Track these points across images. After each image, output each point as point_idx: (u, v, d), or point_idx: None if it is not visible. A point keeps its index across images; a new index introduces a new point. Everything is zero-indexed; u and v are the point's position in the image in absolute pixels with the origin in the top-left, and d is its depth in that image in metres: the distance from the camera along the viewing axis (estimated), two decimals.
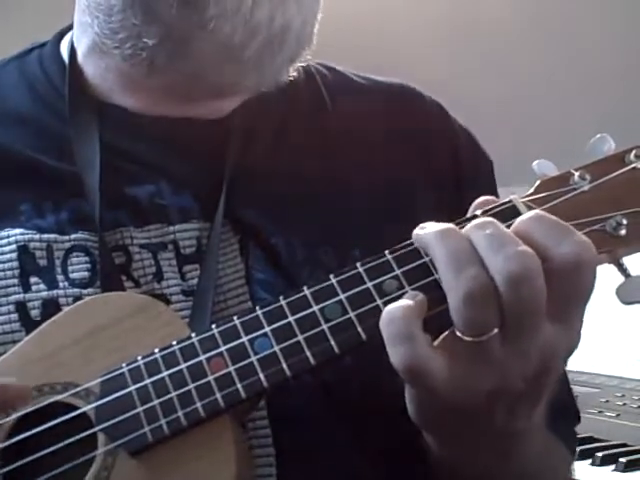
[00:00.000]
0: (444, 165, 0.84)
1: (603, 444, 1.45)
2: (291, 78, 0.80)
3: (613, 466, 1.37)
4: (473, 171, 0.85)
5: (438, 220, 0.62)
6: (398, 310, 0.58)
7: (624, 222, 0.61)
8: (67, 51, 0.83)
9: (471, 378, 0.59)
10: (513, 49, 2.87)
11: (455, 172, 0.84)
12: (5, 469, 0.62)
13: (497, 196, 0.85)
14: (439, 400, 0.59)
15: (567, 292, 0.58)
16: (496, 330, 0.57)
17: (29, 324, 0.71)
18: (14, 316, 0.71)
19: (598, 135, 0.64)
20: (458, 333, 0.58)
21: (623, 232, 0.61)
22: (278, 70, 0.78)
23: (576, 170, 0.62)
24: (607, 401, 1.62)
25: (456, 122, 0.88)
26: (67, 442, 0.61)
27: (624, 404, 1.60)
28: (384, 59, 2.81)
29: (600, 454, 1.38)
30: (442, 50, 2.91)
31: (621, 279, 0.62)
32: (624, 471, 1.35)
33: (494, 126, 2.88)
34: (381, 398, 0.70)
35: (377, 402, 0.71)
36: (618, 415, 1.56)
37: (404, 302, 0.59)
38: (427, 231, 0.60)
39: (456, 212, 0.64)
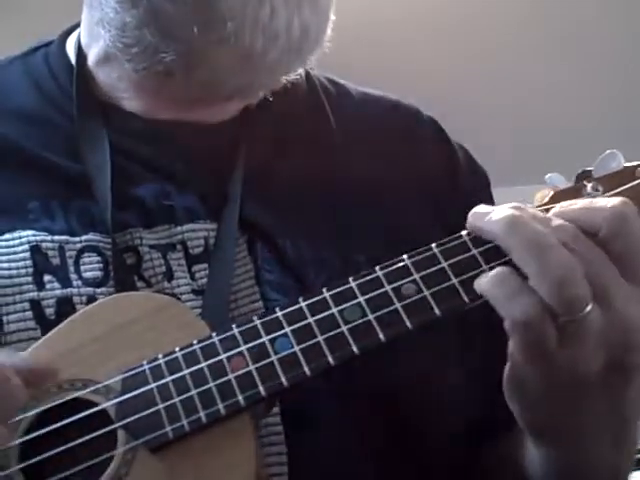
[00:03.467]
0: (441, 179, 0.85)
1: None
2: (294, 80, 0.81)
3: None
4: (470, 185, 0.86)
5: (434, 234, 0.63)
6: (505, 271, 0.59)
7: None
8: (74, 51, 0.83)
9: (582, 359, 0.59)
10: (514, 50, 2.90)
11: (452, 186, 0.85)
12: (24, 464, 0.62)
13: None
14: (554, 373, 0.60)
15: (629, 249, 0.59)
16: (591, 305, 0.58)
17: (44, 322, 0.71)
18: (29, 314, 0.71)
19: (608, 151, 0.66)
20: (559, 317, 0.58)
21: None
22: (293, 70, 0.80)
23: (589, 182, 0.65)
24: None
25: (451, 139, 0.89)
26: (87, 438, 0.62)
27: None
28: (384, 63, 2.83)
29: None
30: (443, 50, 2.92)
31: None
32: None
33: (495, 127, 2.91)
34: (395, 403, 0.71)
35: (390, 407, 0.71)
36: None
37: (500, 269, 0.60)
38: (492, 221, 0.61)
39: (452, 224, 0.65)
